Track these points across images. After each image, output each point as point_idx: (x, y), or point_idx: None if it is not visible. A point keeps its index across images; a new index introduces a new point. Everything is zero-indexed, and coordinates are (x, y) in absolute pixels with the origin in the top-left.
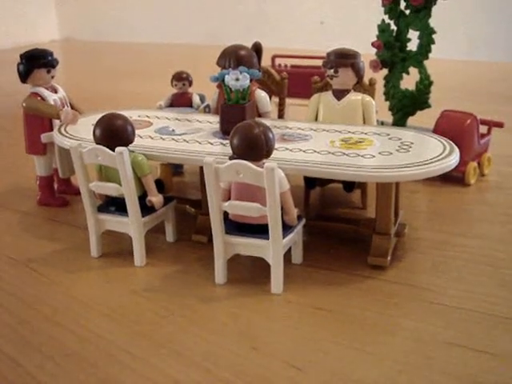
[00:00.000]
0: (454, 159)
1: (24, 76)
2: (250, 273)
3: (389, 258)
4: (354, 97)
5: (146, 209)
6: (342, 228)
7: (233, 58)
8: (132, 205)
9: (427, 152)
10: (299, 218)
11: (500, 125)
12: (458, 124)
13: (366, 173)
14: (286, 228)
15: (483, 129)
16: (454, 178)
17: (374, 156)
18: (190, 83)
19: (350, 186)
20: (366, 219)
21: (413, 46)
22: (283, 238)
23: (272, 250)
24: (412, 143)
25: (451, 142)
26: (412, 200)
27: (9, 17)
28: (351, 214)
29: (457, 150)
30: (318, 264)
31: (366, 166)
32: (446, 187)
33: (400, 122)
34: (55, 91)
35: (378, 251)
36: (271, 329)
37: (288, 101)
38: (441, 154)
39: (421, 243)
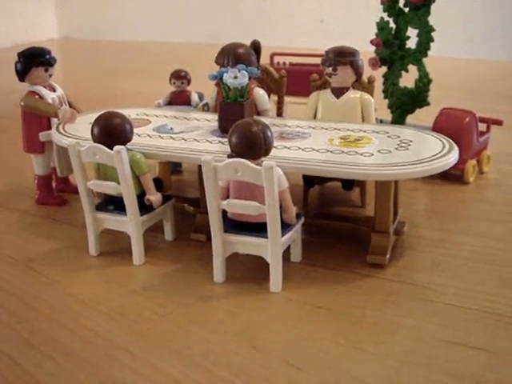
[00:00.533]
0: (453, 157)
1: (22, 74)
2: (248, 271)
3: (388, 256)
4: (353, 95)
5: (145, 207)
6: (341, 226)
7: (231, 56)
8: (130, 203)
9: (426, 150)
10: (298, 216)
11: (499, 122)
12: (457, 122)
13: (364, 171)
14: (285, 226)
15: (482, 127)
16: (453, 176)
17: (372, 154)
18: (189, 81)
19: (349, 184)
20: (365, 217)
21: (412, 43)
22: (282, 236)
23: (271, 248)
24: (411, 141)
25: (450, 139)
26: (411, 198)
27: (8, 15)
28: (350, 212)
29: (456, 147)
30: (317, 262)
31: (364, 164)
32: (445, 185)
33: (399, 119)
34: (53, 90)
35: (377, 249)
36: (270, 328)
37: (287, 99)
38: (440, 152)
39: (420, 241)
